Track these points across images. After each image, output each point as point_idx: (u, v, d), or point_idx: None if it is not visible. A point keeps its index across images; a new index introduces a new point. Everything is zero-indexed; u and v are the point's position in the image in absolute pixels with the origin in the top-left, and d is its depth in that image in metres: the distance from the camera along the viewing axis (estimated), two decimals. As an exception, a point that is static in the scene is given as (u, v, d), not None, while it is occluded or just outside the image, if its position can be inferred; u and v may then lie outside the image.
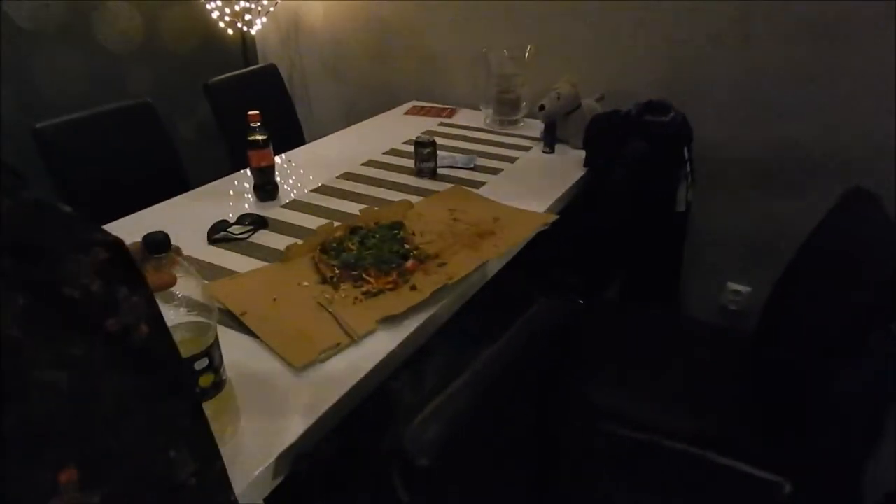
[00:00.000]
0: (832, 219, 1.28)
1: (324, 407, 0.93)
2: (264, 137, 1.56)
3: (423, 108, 2.44)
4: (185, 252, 1.33)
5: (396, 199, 1.62)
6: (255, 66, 2.50)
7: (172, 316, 0.74)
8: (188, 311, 0.76)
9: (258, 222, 1.48)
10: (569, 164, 1.85)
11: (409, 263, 1.28)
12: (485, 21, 2.29)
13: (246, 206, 1.62)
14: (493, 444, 0.88)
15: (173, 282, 0.74)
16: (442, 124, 2.25)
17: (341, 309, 1.15)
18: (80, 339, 0.41)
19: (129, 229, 1.49)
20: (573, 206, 1.71)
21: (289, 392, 0.97)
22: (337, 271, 1.25)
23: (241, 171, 1.80)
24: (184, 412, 0.50)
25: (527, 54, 2.11)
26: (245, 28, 2.55)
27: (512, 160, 1.90)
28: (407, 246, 1.34)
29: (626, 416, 1.27)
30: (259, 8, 2.52)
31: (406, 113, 2.40)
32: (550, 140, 1.94)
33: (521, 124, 2.19)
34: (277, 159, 1.90)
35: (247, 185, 1.68)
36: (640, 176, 1.59)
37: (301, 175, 1.82)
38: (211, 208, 1.59)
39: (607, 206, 1.68)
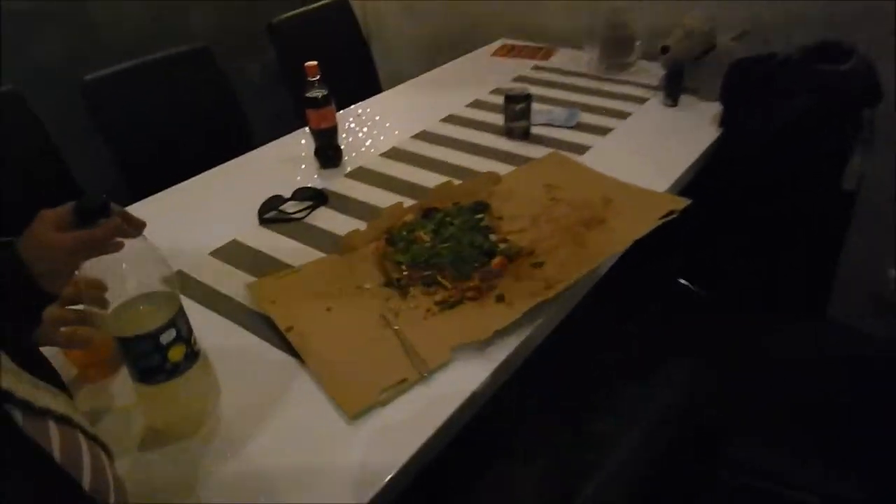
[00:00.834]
0: None
1: (380, 481, 0.70)
2: (324, 94, 1.30)
3: (513, 47, 2.08)
4: (236, 234, 1.15)
5: (480, 167, 1.33)
6: (325, 1, 2.21)
7: (131, 288, 0.68)
8: (146, 282, 0.70)
9: (316, 198, 1.25)
10: (698, 123, 1.47)
11: (496, 262, 1.01)
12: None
13: (306, 174, 1.38)
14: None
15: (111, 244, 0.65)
16: (536, 68, 1.90)
17: (409, 327, 0.90)
18: None
19: (174, 203, 1.31)
20: (698, 179, 1.36)
21: (331, 449, 0.74)
22: (405, 272, 1.00)
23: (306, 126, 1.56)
24: None
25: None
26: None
27: (623, 116, 1.55)
28: (493, 237, 1.07)
29: (766, 469, 0.97)
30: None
31: (493, 54, 2.05)
32: (674, 90, 1.55)
33: (635, 69, 1.79)
34: (347, 113, 1.65)
35: (311, 145, 1.44)
36: (801, 145, 1.20)
37: (370, 134, 1.56)
38: (266, 176, 1.37)
39: (750, 183, 1.31)
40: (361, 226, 1.13)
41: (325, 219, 1.21)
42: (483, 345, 0.87)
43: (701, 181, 1.35)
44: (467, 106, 1.67)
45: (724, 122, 1.41)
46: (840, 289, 1.83)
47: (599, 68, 1.81)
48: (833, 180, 1.31)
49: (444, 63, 2.01)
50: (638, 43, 1.76)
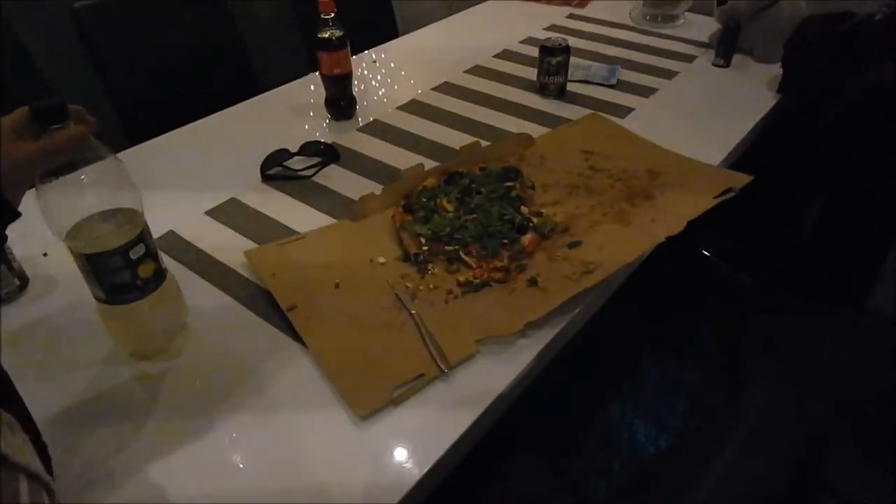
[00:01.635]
0: None
1: (397, 494, 0.61)
2: (339, 35, 1.15)
3: (546, -8, 1.90)
4: (235, 192, 1.03)
5: (509, 127, 1.20)
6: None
7: (93, 203, 0.64)
8: (108, 197, 0.65)
9: (326, 154, 1.12)
10: (752, 87, 1.32)
11: (528, 239, 0.89)
12: None
13: (315, 126, 1.25)
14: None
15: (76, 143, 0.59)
16: (571, 17, 1.72)
17: (427, 311, 0.79)
18: None
19: (168, 152, 1.18)
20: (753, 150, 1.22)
21: (335, 459, 0.64)
22: (425, 246, 0.88)
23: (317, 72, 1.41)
24: None
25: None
26: None
27: (669, 75, 1.39)
28: (524, 209, 0.94)
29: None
30: None
31: (524, -1, 1.87)
32: (727, 49, 1.39)
33: (682, 21, 1.62)
34: (360, 59, 1.49)
35: (321, 95, 1.30)
36: (877, 122, 1.06)
37: (387, 83, 1.42)
38: (270, 127, 1.24)
39: (805, 159, 1.17)
40: (376, 188, 1.00)
41: (336, 178, 1.08)
42: (512, 337, 0.76)
43: (750, 151, 1.21)
44: (495, 56, 1.52)
45: (784, 88, 1.25)
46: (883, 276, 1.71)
47: (642, 20, 1.64)
48: (902, 159, 1.17)
49: (469, 6, 1.83)
50: (688, -7, 1.58)
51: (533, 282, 0.83)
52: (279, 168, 1.08)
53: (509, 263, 0.85)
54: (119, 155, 0.65)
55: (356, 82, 1.32)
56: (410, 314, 0.79)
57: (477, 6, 1.84)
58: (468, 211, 0.94)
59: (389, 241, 0.92)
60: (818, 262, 1.41)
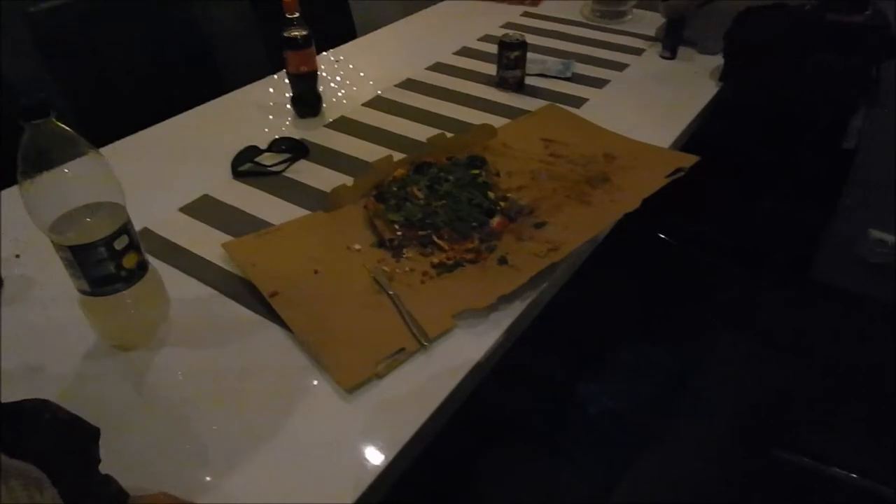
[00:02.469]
0: None
1: (383, 460, 0.64)
2: (304, 34, 1.18)
3: (500, -8, 1.96)
4: (204, 188, 1.05)
5: (472, 119, 1.25)
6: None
7: (76, 196, 0.66)
8: (91, 190, 0.68)
9: (296, 149, 1.14)
10: (696, 76, 1.40)
11: (496, 221, 0.94)
12: None
13: (282, 124, 1.27)
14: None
15: None
16: (525, 14, 1.79)
17: (404, 291, 0.83)
18: None
19: (136, 152, 1.19)
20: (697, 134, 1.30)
21: (326, 428, 0.68)
22: (399, 231, 0.92)
23: (282, 71, 1.43)
24: None
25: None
26: None
27: (620, 67, 1.47)
28: (491, 194, 0.99)
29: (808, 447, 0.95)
30: None
31: (479, -2, 1.93)
32: (673, 42, 1.47)
33: (630, 17, 1.71)
34: (321, 59, 1.52)
35: (286, 95, 1.32)
36: (808, 103, 1.15)
37: (351, 81, 1.45)
38: (238, 126, 1.25)
39: (747, 139, 1.25)
40: (347, 180, 1.04)
41: (307, 172, 1.11)
42: (486, 311, 0.81)
43: (695, 135, 1.29)
44: (455, 53, 1.57)
45: (726, 76, 1.34)
46: (824, 249, 1.83)
47: (593, 16, 1.72)
48: (833, 139, 1.27)
49: (426, 6, 1.88)
50: (634, -10, 1.67)
51: (503, 260, 0.88)
52: (250, 164, 1.11)
53: (480, 245, 0.90)
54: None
55: (321, 82, 1.35)
56: (389, 295, 0.83)
57: (434, 6, 1.89)
58: (438, 198, 0.98)
59: (364, 229, 0.95)
60: (766, 238, 1.51)
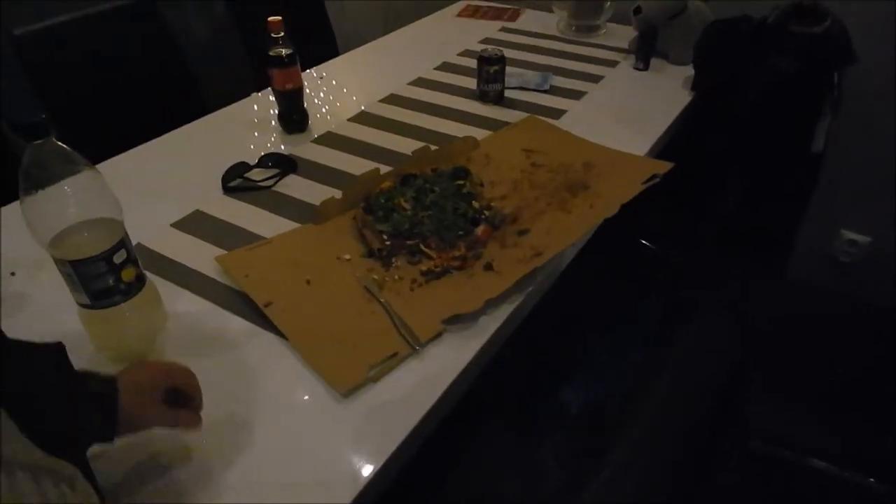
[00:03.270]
0: None
1: (379, 459, 0.67)
2: (289, 52, 1.21)
3: (478, 8, 2.02)
4: (196, 204, 1.07)
5: (455, 132, 1.29)
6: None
7: (75, 212, 0.69)
8: (89, 206, 0.70)
9: (284, 165, 1.17)
10: (669, 86, 1.46)
11: (481, 230, 0.97)
12: None
13: (270, 140, 1.30)
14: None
15: None
16: (503, 30, 1.84)
17: (395, 299, 0.86)
18: None
19: (127, 171, 1.20)
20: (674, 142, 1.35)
21: (323, 431, 0.70)
22: (387, 241, 0.95)
23: (266, 89, 1.46)
24: None
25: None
26: None
27: (596, 79, 1.52)
28: (476, 204, 1.03)
29: (775, 432, 0.99)
30: None
31: (458, 15, 1.98)
32: (646, 53, 1.53)
33: (604, 31, 1.77)
34: (305, 76, 1.55)
35: (271, 112, 1.35)
36: (775, 109, 1.21)
37: (335, 98, 1.48)
38: (226, 143, 1.28)
39: (720, 146, 1.31)
40: (335, 194, 1.06)
41: (295, 187, 1.14)
42: (474, 315, 0.84)
43: (671, 143, 1.34)
44: (436, 69, 1.61)
45: (697, 85, 1.40)
46: (799, 250, 1.89)
47: (569, 30, 1.78)
48: (802, 143, 1.33)
49: (405, 25, 1.93)
50: (608, 5, 1.73)
51: (489, 266, 0.91)
52: (240, 180, 1.13)
53: (466, 252, 0.93)
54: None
55: (306, 98, 1.38)
56: (380, 302, 0.85)
57: (414, 23, 1.94)
58: (424, 208, 1.01)
59: (353, 240, 0.98)
60: (741, 238, 1.56)
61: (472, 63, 1.42)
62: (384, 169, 1.12)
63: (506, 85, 1.42)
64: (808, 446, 1.00)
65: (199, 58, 1.80)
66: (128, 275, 0.73)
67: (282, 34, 1.19)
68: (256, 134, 1.32)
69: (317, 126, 1.34)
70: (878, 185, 1.68)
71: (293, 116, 1.30)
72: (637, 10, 1.49)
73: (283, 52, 1.21)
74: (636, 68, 1.55)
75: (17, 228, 0.68)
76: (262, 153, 1.19)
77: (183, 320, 0.84)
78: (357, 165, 1.17)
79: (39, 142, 0.64)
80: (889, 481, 0.98)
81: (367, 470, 0.66)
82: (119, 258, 0.72)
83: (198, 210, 1.07)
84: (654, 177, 1.08)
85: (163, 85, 1.62)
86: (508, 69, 1.42)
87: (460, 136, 1.24)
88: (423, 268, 0.91)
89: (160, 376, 0.63)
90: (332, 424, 0.71)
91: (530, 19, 1.90)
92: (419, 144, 1.17)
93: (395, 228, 0.97)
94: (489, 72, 1.37)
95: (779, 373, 1.06)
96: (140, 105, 1.56)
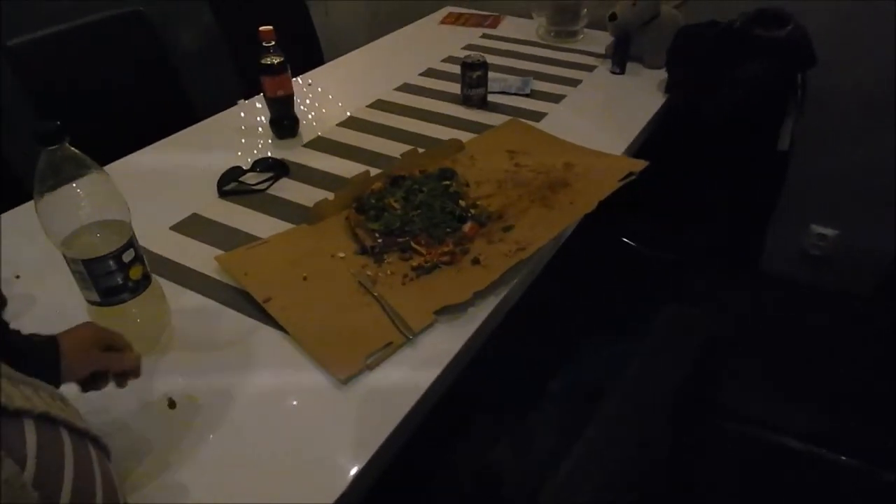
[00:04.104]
0: None
1: (379, 439, 0.72)
2: (280, 60, 1.26)
3: (460, 15, 2.08)
4: (193, 208, 1.11)
5: (441, 135, 1.34)
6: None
7: (84, 216, 0.72)
8: (100, 208, 0.74)
9: (278, 169, 1.22)
10: (645, 89, 1.53)
11: (468, 227, 1.02)
12: None
13: (262, 145, 1.34)
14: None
15: None
16: (485, 36, 1.90)
17: (388, 292, 0.91)
18: None
19: (124, 177, 1.24)
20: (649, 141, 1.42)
21: (323, 416, 0.75)
22: (379, 239, 1.00)
23: (256, 96, 1.50)
24: None
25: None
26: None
27: (574, 83, 1.58)
28: (462, 202, 1.08)
29: (747, 413, 1.05)
30: None
31: (441, 22, 2.04)
32: (621, 58, 1.60)
33: (582, 37, 1.83)
34: (294, 84, 1.60)
35: (261, 119, 1.40)
36: (744, 109, 1.28)
37: (324, 104, 1.53)
38: (219, 149, 1.32)
39: (694, 146, 1.38)
40: (327, 196, 1.11)
41: (289, 190, 1.18)
42: (463, 306, 0.89)
43: (647, 144, 1.41)
44: (420, 75, 1.66)
45: (672, 87, 1.47)
46: (767, 246, 1.97)
47: (548, 36, 1.84)
48: (769, 142, 1.40)
49: (389, 33, 1.98)
50: (584, 11, 1.80)
51: (476, 261, 0.97)
52: (235, 184, 1.17)
53: (454, 248, 0.99)
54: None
55: (295, 105, 1.43)
56: (373, 296, 0.90)
57: (398, 31, 1.99)
58: (413, 207, 1.07)
59: (346, 239, 1.03)
60: (718, 236, 1.63)
61: (456, 69, 1.48)
62: (374, 171, 1.17)
63: (488, 89, 1.48)
64: (778, 426, 1.07)
65: (188, 67, 1.83)
66: (135, 273, 0.78)
67: (273, 43, 1.24)
68: (249, 139, 1.37)
69: (307, 131, 1.39)
70: (844, 181, 1.77)
71: (284, 122, 1.34)
72: (612, 17, 1.56)
73: (275, 60, 1.25)
74: (613, 72, 1.62)
75: (19, 233, 0.72)
76: (256, 157, 1.24)
77: (186, 317, 0.88)
78: (347, 168, 1.22)
79: (54, 147, 0.68)
80: (858, 457, 1.05)
81: (369, 448, 0.71)
82: (127, 257, 0.76)
83: (195, 213, 1.11)
84: (630, 174, 1.14)
85: (152, 93, 1.66)
86: (491, 74, 1.48)
87: (446, 139, 1.29)
88: (414, 263, 0.97)
89: (99, 332, 0.69)
90: (333, 409, 0.75)
91: (511, 26, 1.96)
92: (407, 147, 1.23)
93: (386, 227, 1.02)
94: (472, 77, 1.43)
95: (753, 358, 1.13)
96: (130, 114, 1.59)
